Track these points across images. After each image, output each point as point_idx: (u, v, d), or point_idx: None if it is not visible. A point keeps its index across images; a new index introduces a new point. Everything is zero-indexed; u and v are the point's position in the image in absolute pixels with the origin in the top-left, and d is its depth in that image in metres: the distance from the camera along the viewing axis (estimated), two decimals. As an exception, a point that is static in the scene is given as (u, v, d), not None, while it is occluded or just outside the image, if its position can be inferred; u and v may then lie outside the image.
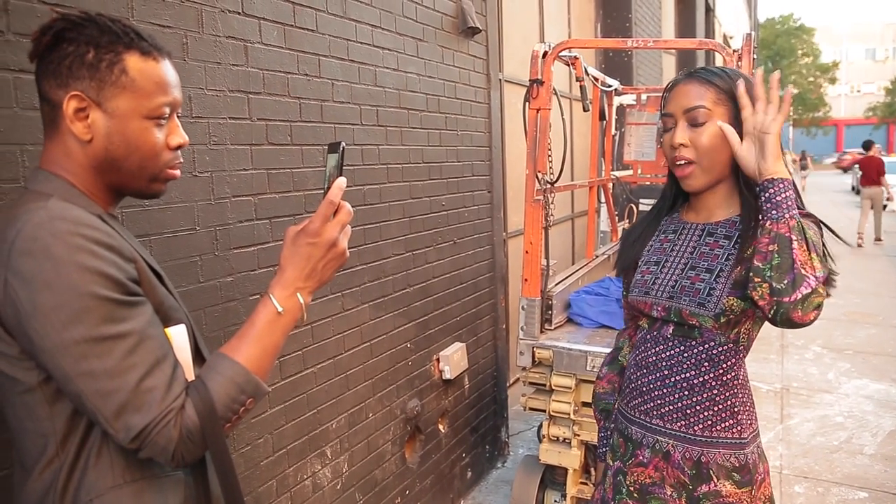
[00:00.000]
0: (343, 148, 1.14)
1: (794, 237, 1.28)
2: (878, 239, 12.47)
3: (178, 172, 1.15)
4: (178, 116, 1.14)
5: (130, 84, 1.05)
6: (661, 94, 5.04)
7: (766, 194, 1.33)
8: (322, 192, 1.14)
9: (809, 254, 1.28)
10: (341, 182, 1.13)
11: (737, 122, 1.45)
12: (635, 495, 1.57)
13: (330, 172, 1.14)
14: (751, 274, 1.33)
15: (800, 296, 1.27)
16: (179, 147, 1.13)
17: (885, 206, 12.90)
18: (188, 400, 1.01)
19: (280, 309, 1.10)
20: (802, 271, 1.27)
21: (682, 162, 1.49)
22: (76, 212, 0.99)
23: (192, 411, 1.00)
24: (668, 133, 1.52)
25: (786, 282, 1.27)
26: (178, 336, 1.09)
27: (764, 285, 1.30)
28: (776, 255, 1.28)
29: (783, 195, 1.31)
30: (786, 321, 1.30)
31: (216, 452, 1.05)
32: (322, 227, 1.11)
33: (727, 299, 1.44)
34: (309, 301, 1.14)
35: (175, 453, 1.00)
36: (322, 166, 2.42)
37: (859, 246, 11.96)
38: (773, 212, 1.31)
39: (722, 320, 1.45)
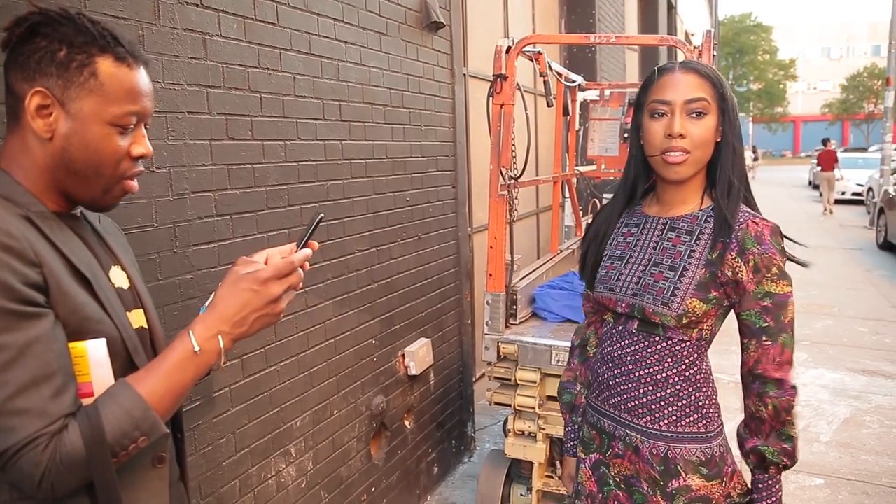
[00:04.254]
0: (320, 219, 1.16)
1: None
2: (830, 212, 16.62)
3: (135, 184, 1.11)
4: (146, 127, 1.11)
5: (98, 88, 1.02)
6: (623, 91, 5.06)
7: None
8: (299, 242, 1.14)
9: None
10: (307, 252, 1.12)
11: (723, 118, 1.48)
12: (622, 486, 1.58)
13: (304, 235, 1.15)
14: None
15: None
16: (141, 157, 1.09)
17: (841, 193, 18.17)
18: (75, 425, 0.93)
19: (197, 348, 1.04)
20: None
21: (678, 152, 1.46)
22: None
23: (77, 438, 0.92)
24: (661, 121, 1.47)
25: None
26: (95, 351, 1.01)
27: None
28: None
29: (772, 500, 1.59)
30: None
31: (103, 486, 0.96)
32: (271, 279, 1.08)
33: (690, 301, 1.44)
34: (229, 348, 1.08)
35: (42, 481, 0.91)
36: (283, 162, 2.39)
37: (831, 212, 16.54)
38: None
39: (684, 321, 1.45)
